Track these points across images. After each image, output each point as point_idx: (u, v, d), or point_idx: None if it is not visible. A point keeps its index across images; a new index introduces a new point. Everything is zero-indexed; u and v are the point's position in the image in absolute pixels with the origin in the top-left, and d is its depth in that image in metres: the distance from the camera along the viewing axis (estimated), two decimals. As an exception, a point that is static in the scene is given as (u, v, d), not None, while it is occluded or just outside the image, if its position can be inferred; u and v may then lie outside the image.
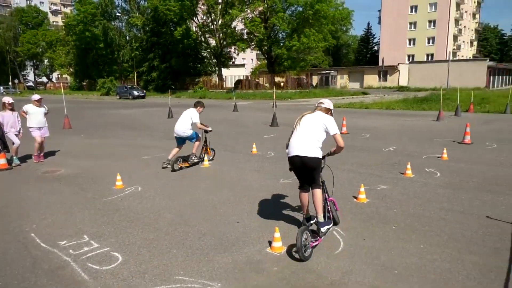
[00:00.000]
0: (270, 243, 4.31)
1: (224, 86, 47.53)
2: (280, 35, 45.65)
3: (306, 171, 4.24)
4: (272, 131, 13.99)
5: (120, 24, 61.89)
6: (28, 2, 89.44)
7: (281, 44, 43.01)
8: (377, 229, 4.68)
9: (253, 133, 13.50)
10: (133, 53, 52.50)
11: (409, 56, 66.30)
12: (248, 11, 42.13)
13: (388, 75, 52.26)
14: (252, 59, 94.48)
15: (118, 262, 4.03)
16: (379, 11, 71.26)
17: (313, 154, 4.15)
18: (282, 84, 42.82)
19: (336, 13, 39.86)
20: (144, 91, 42.71)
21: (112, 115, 22.22)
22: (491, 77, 43.58)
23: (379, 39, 74.15)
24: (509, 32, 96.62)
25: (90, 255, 4.18)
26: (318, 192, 4.26)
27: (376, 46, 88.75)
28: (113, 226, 5.00)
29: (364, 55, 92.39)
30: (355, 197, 5.87)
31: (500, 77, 49.02)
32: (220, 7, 43.79)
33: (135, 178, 7.39)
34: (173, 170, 7.86)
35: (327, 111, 4.45)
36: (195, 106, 8.58)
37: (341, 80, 55.78)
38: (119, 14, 59.66)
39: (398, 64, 52.60)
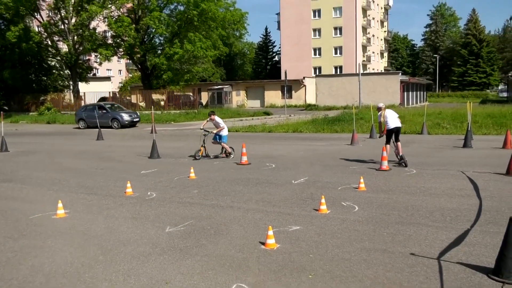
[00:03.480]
0: (157, 312, 4.22)
1: (83, 105, 45.49)
2: (157, 40, 46.07)
3: (398, 133, 12.34)
4: (153, 164, 13.80)
5: None
6: None
7: (159, 52, 43.28)
8: (291, 281, 4.91)
9: (126, 169, 13.14)
10: None
11: (315, 68, 72.07)
12: (113, 7, 41.67)
13: (293, 91, 55.82)
14: (120, 71, 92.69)
15: None
16: (278, 14, 76.62)
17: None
18: (162, 103, 42.72)
19: (227, 14, 41.79)
20: (137, 114, 33.73)
21: None
22: (405, 92, 49.61)
23: (279, 47, 79.36)
24: (419, 42, 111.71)
25: None
26: (399, 143, 12.33)
27: (277, 56, 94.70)
28: None
29: (263, 67, 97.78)
30: (263, 243, 6.09)
31: (414, 92, 56.06)
32: (73, 1, 42.33)
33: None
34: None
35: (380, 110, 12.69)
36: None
37: (238, 97, 57.77)
38: None
39: (304, 77, 56.62)
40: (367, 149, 16.18)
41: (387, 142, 12.29)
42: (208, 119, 14.70)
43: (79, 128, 31.60)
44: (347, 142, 17.84)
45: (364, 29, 75.35)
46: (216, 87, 56.54)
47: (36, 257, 5.87)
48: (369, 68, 75.97)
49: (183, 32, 40.77)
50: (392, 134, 12.26)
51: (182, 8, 41.81)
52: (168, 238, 6.50)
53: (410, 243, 5.99)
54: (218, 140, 14.69)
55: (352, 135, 17.68)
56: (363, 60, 72.26)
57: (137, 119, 31.99)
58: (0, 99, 45.10)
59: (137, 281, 5.03)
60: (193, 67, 44.90)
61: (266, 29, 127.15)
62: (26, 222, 7.55)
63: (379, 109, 12.83)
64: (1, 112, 27.46)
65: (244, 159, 13.27)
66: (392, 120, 12.19)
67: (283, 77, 46.56)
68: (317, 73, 65.11)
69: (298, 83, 55.71)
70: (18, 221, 7.64)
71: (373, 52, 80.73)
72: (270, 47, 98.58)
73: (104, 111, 31.39)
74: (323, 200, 7.77)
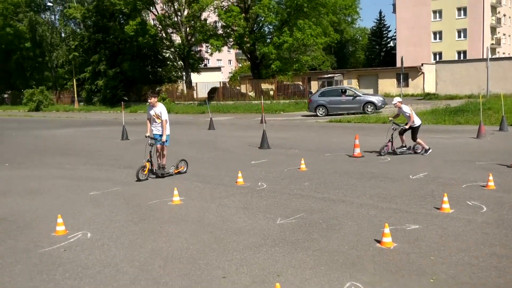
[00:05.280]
0: (269, 304, 4.32)
1: (195, 96, 47.82)
2: (267, 29, 46.50)
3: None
4: (262, 155, 14.10)
5: (53, 16, 62.12)
6: None
7: (268, 41, 43.75)
8: (410, 284, 4.73)
9: (237, 159, 13.56)
10: (70, 55, 52.26)
11: (435, 54, 68.20)
12: (223, -2, 42.94)
13: (410, 79, 53.45)
14: (230, 61, 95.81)
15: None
16: (394, -4, 73.63)
17: None
18: (271, 92, 43.30)
19: (339, -1, 40.95)
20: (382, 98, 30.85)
21: (43, 138, 22.05)
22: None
23: (395, 32, 76.32)
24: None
25: (26, 328, 4.11)
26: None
27: (391, 42, 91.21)
28: (56, 285, 4.94)
29: (377, 53, 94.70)
30: (378, 241, 5.94)
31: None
32: (185, -7, 44.44)
33: (82, 221, 7.35)
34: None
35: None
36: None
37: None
38: (50, 4, 59.88)
39: (422, 64, 53.89)
40: (496, 143, 14.98)
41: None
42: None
43: (316, 115, 28.75)
44: (473, 135, 16.66)
45: (493, 8, 69.40)
46: (327, 75, 55.87)
47: (155, 241, 6.32)
48: (498, 52, 70.00)
49: (293, 19, 40.76)
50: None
51: (291, -5, 41.89)
52: (279, 230, 6.61)
53: (550, 251, 5.46)
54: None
55: (479, 127, 16.46)
56: (492, 44, 66.69)
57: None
58: (120, 90, 48.88)
59: (249, 271, 5.19)
60: (302, 56, 44.78)
61: (380, 13, 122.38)
62: (145, 207, 8.15)
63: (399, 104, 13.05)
64: (122, 102, 29.95)
65: (357, 151, 13.01)
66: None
67: (398, 64, 44.85)
68: (437, 59, 61.49)
69: (415, 70, 53.17)
70: (138, 206, 8.28)
71: (504, 34, 74.13)
72: (384, 32, 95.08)
73: (352, 96, 28.83)
74: (445, 198, 7.35)
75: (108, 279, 5.10)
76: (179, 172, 11.08)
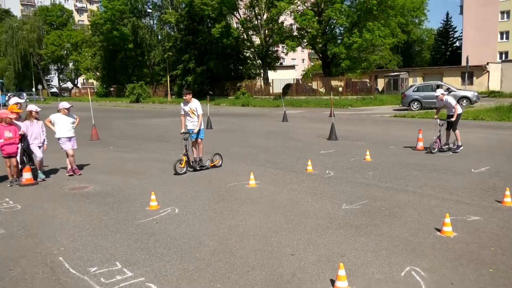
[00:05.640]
0: (332, 282, 4.25)
1: (271, 91, 47.97)
2: (337, 31, 45.52)
3: None
4: (330, 145, 13.87)
5: (151, 21, 64.64)
6: (52, 0, 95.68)
7: (339, 42, 42.83)
8: (469, 272, 4.46)
9: (307, 148, 13.45)
10: (165, 54, 54.31)
11: (501, 54, 63.37)
12: (299, 2, 42.52)
13: (475, 77, 50.10)
14: (303, 60, 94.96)
15: (155, 296, 4.16)
16: (461, -2, 69.14)
17: None
18: (340, 89, 42.48)
19: (407, 1, 39.14)
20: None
21: (141, 125, 23.11)
22: None
23: (461, 33, 71.78)
24: None
25: (124, 285, 4.34)
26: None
27: (457, 42, 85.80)
28: (148, 252, 5.17)
29: (443, 53, 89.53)
30: (438, 230, 5.65)
31: None
32: (265, -1, 44.56)
33: (171, 198, 7.61)
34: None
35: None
36: None
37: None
38: (150, 10, 62.30)
39: (487, 63, 50.33)
40: (562, 140, 13.71)
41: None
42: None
43: (410, 110, 27.24)
44: (537, 132, 15.36)
45: None
46: (393, 74, 53.89)
47: (232, 219, 6.42)
48: None
49: (362, 21, 39.55)
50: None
51: (362, -2, 40.70)
52: (344, 215, 6.47)
53: None
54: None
55: (544, 124, 15.15)
56: (560, 43, 60.87)
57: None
58: (206, 85, 50.13)
59: (315, 250, 5.14)
60: (370, 55, 43.40)
61: (447, 14, 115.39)
62: (225, 189, 8.30)
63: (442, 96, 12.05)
64: (207, 96, 30.70)
65: (420, 144, 12.43)
66: None
67: (463, 63, 42.15)
68: (503, 58, 57.12)
69: (480, 69, 49.72)
70: (218, 187, 8.45)
71: None
72: (450, 33, 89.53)
73: (447, 90, 25.67)
74: (507, 192, 6.82)
75: (192, 249, 5.26)
76: (214, 166, 10.31)
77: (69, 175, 9.70)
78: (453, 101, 12.04)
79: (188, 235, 5.76)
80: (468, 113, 22.67)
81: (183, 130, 10.32)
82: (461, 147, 11.80)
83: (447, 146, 11.95)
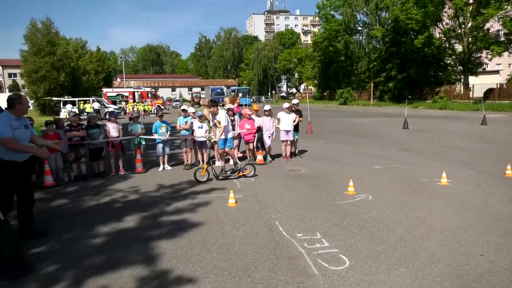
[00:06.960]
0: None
1: (470, 96, 41.28)
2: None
3: None
4: (535, 151, 11.09)
5: (360, 37, 63.53)
6: (286, 26, 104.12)
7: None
8: None
9: (506, 152, 11.09)
10: (371, 64, 52.94)
11: None
12: (509, 8, 35.06)
13: None
14: (509, 64, 78.51)
15: (345, 266, 4.08)
16: None
17: None
18: (553, 93, 33.57)
19: None
20: None
21: (346, 123, 23.01)
22: None
23: None
24: None
25: (321, 252, 4.39)
26: None
27: None
28: (343, 229, 5.10)
29: None
30: None
31: None
32: (470, 8, 38.26)
33: (366, 186, 7.33)
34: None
35: None
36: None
37: None
38: (360, 28, 61.40)
39: None
40: None
41: None
42: None
43: None
44: None
45: None
46: None
47: (421, 211, 5.79)
48: None
49: None
50: None
51: None
52: (548, 225, 5.08)
53: None
54: None
55: None
56: None
57: None
58: (405, 90, 46.77)
59: (509, 255, 4.19)
60: None
61: None
62: (416, 183, 7.54)
63: None
64: (406, 100, 28.48)
65: None
66: None
67: None
68: None
69: None
70: (410, 181, 7.74)
71: None
72: None
73: None
74: None
75: (380, 233, 4.97)
76: (244, 176, 8.44)
77: (283, 160, 10.29)
78: None
79: (378, 220, 5.45)
80: None
81: (213, 139, 9.20)
82: None
83: None
